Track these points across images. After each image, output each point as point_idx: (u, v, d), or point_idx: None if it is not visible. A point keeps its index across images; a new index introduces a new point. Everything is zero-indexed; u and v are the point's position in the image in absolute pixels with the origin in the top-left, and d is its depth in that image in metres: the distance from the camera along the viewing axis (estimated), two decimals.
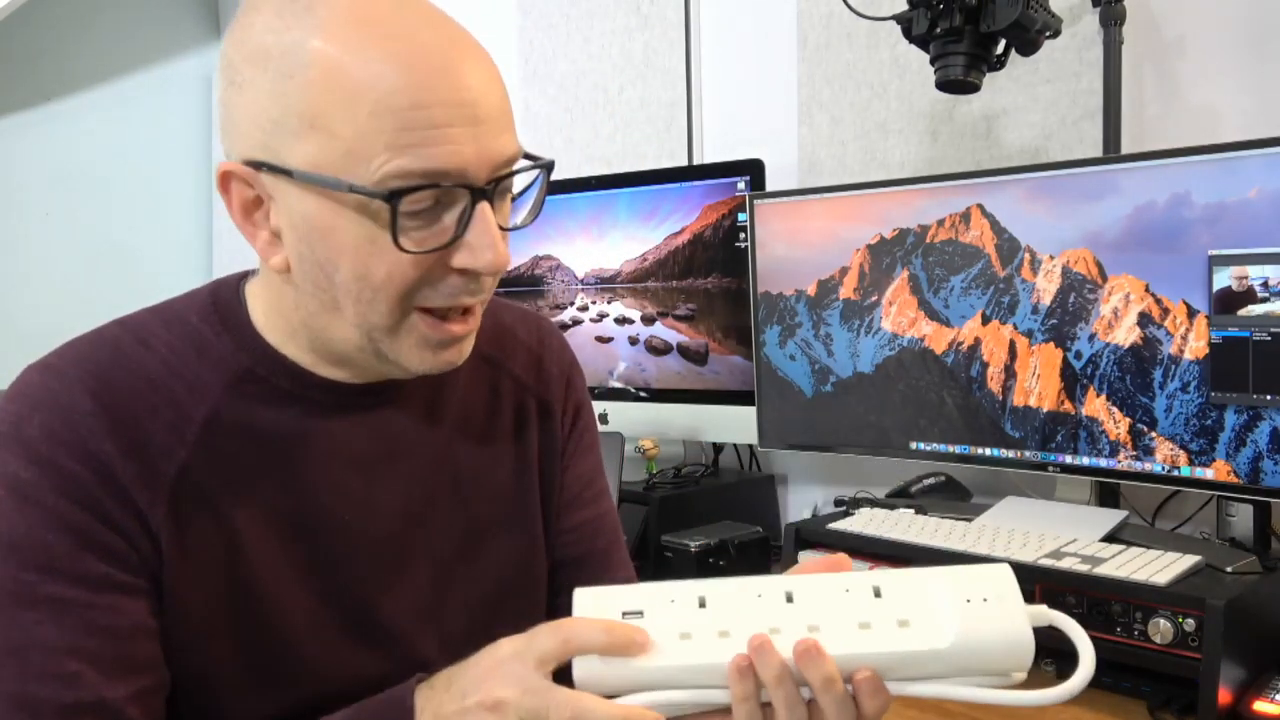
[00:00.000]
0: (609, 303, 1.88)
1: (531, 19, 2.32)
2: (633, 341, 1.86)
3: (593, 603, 0.63)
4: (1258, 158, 1.13)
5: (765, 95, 1.91)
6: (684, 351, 1.79)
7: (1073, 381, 1.31)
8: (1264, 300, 1.13)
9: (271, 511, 0.73)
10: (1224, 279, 1.16)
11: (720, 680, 0.60)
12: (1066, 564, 1.16)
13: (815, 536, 1.43)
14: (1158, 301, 1.23)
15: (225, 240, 3.19)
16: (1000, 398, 1.38)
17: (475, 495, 0.82)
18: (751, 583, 0.63)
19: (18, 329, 2.79)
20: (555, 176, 0.77)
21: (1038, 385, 1.34)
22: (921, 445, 1.47)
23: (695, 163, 2.02)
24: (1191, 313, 1.19)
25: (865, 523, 1.40)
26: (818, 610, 0.62)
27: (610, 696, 0.61)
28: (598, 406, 1.85)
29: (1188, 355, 1.20)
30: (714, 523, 1.62)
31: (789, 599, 0.62)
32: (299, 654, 0.73)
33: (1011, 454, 1.38)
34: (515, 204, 0.73)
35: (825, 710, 0.60)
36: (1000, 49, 1.34)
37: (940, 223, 1.43)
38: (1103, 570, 1.13)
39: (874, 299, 1.51)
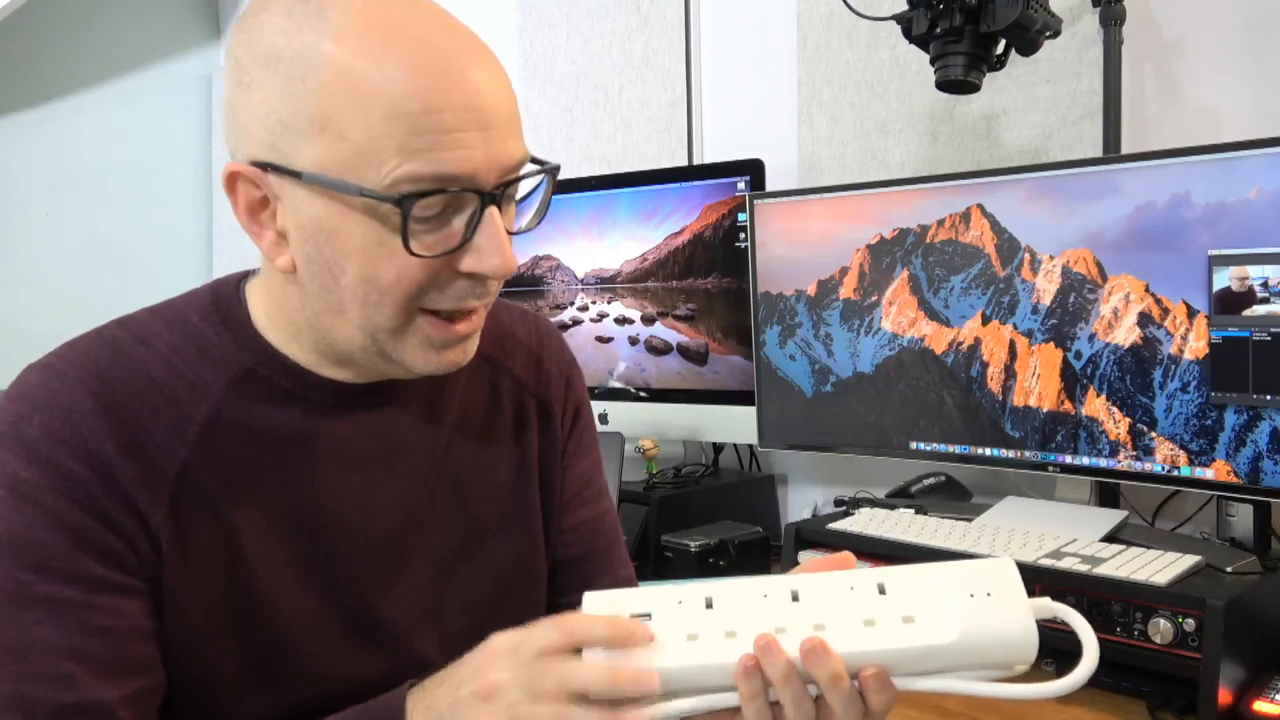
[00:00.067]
0: (609, 303, 1.88)
1: (531, 19, 2.32)
2: (633, 341, 1.86)
3: (602, 605, 0.64)
4: (1258, 158, 1.13)
5: (765, 95, 1.91)
6: (684, 351, 1.80)
7: (1073, 381, 1.31)
8: (1264, 300, 1.13)
9: (272, 511, 0.73)
10: (1224, 279, 1.16)
11: (728, 680, 0.61)
12: (1066, 564, 1.16)
13: (815, 536, 1.43)
14: (1158, 301, 1.23)
15: (225, 240, 3.19)
16: (1000, 398, 1.38)
17: (475, 495, 0.82)
18: (757, 583, 0.64)
19: (17, 329, 2.79)
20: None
21: (1038, 385, 1.34)
22: (921, 445, 1.47)
23: (695, 163, 2.02)
24: (1191, 313, 1.19)
25: (865, 523, 1.40)
26: (823, 608, 0.62)
27: (620, 701, 0.62)
28: (598, 406, 1.85)
29: (1188, 355, 1.20)
30: (714, 523, 1.62)
31: (794, 598, 0.63)
32: (299, 653, 0.73)
33: (1011, 454, 1.38)
34: (520, 207, 0.73)
35: (833, 707, 0.60)
36: (1000, 49, 1.34)
37: (940, 223, 1.43)
38: (1103, 570, 1.13)
39: (874, 299, 1.51)
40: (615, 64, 2.15)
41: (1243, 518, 1.23)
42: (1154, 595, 1.08)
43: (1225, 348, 1.16)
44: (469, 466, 0.82)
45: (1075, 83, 1.50)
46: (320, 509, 0.74)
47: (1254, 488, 1.17)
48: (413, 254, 0.65)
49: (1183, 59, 1.42)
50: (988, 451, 1.40)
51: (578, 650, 0.61)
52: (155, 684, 0.69)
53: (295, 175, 0.65)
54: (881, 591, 0.63)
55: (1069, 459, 1.32)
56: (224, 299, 0.76)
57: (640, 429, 1.81)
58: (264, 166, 0.66)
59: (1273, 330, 1.13)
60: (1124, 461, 1.27)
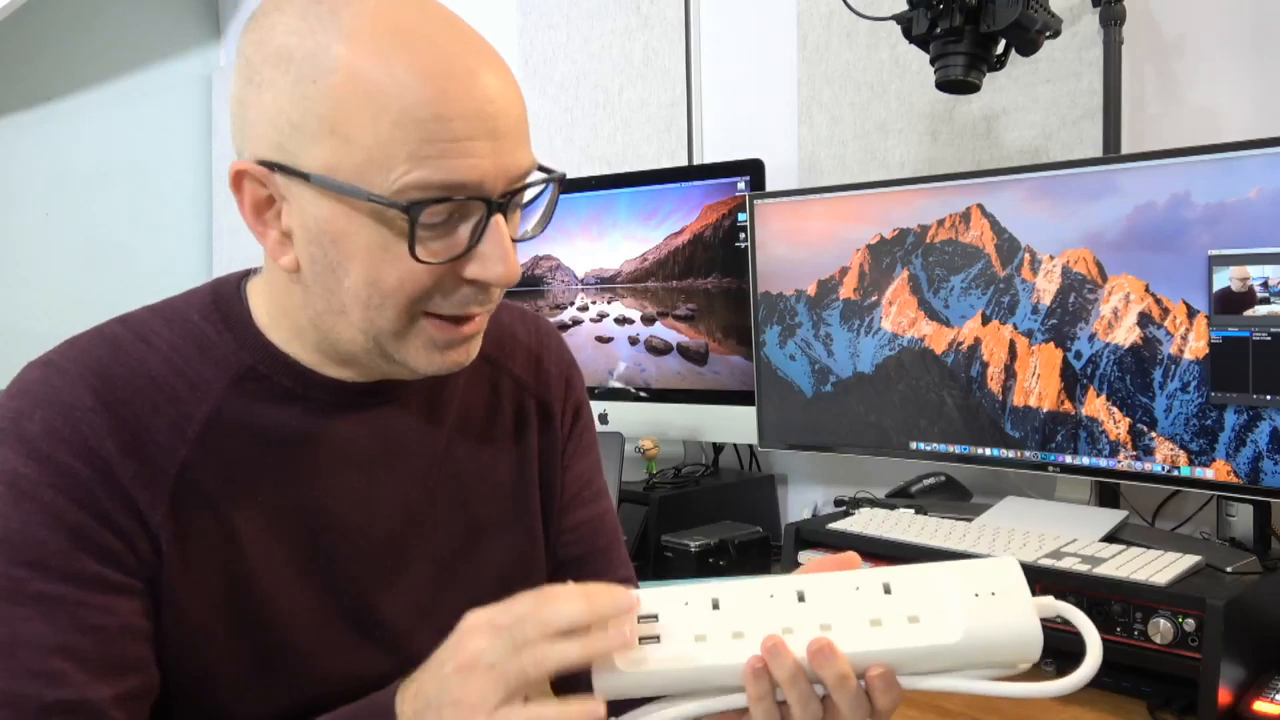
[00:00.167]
0: (609, 303, 1.88)
1: (531, 19, 2.32)
2: (633, 341, 1.86)
3: None
4: (1258, 158, 1.13)
5: (765, 95, 1.91)
6: (684, 351, 1.80)
7: (1073, 381, 1.31)
8: (1264, 300, 1.13)
9: (272, 510, 0.73)
10: (1224, 279, 1.16)
11: (735, 681, 0.61)
12: (1066, 564, 1.16)
13: (815, 536, 1.44)
14: (1158, 301, 1.23)
15: (225, 240, 3.19)
16: (1000, 398, 1.38)
17: (475, 495, 0.82)
18: (763, 583, 0.64)
19: (17, 329, 2.79)
20: None
21: (1038, 385, 1.34)
22: (921, 445, 1.47)
23: (695, 163, 2.02)
24: (1191, 313, 1.19)
25: (865, 523, 1.40)
26: (829, 608, 0.62)
27: (629, 701, 0.62)
28: (597, 406, 1.85)
29: (1188, 355, 1.20)
30: (714, 523, 1.62)
31: (800, 598, 0.63)
32: (299, 652, 0.73)
33: (1011, 454, 1.38)
34: (524, 212, 0.73)
35: (839, 706, 0.61)
36: (1000, 49, 1.34)
37: (940, 223, 1.43)
38: (1103, 570, 1.13)
39: (874, 299, 1.51)
40: (615, 64, 2.15)
41: (1243, 518, 1.23)
42: (1154, 595, 1.08)
43: (1225, 348, 1.16)
44: (469, 466, 0.82)
45: (1075, 83, 1.51)
46: (320, 508, 0.74)
47: (1254, 488, 1.17)
48: (418, 260, 0.65)
49: (1183, 59, 1.42)
50: (988, 451, 1.40)
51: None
52: (148, 684, 0.68)
53: (303, 177, 0.65)
54: (887, 591, 0.63)
55: (1069, 459, 1.32)
56: (224, 298, 0.75)
57: (640, 429, 1.81)
58: (271, 166, 0.66)
59: (1273, 330, 1.13)
60: (1124, 461, 1.27)
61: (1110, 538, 1.27)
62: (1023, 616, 0.61)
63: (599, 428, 0.96)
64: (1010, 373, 1.37)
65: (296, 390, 0.74)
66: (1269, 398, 1.14)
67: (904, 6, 1.36)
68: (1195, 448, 1.20)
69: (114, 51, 3.06)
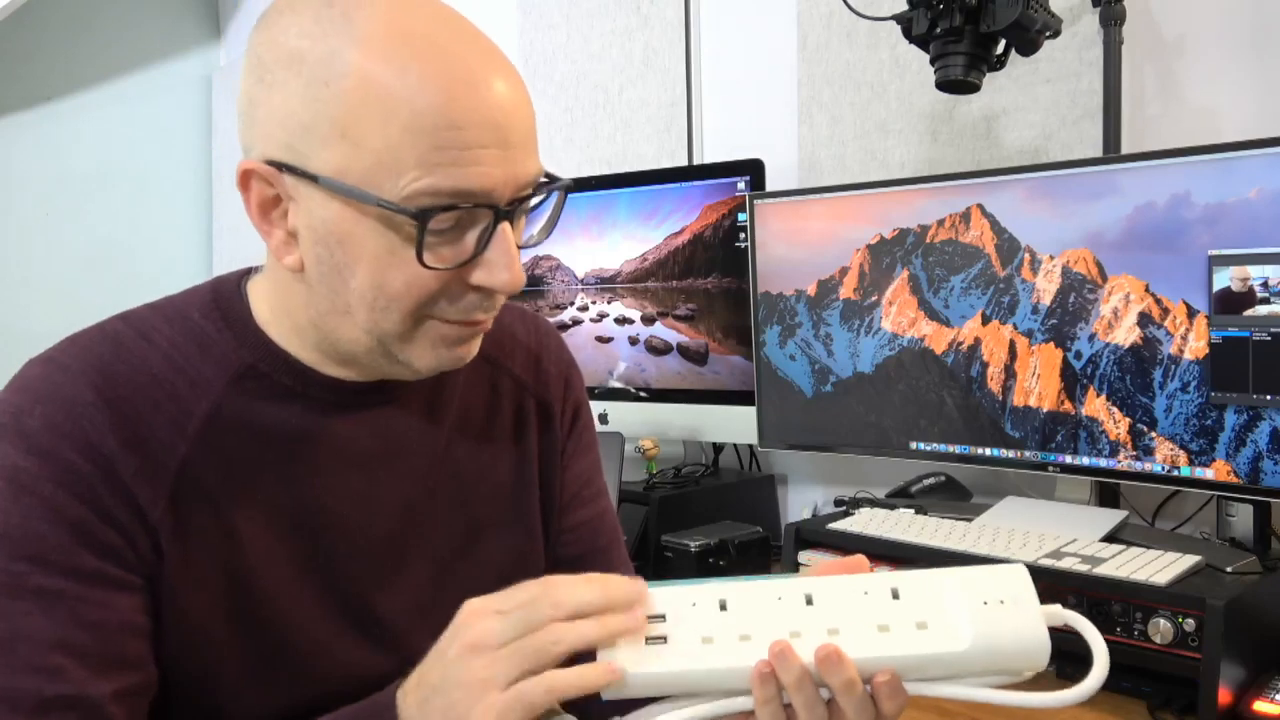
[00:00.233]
0: (609, 303, 1.88)
1: (531, 19, 2.32)
2: (633, 341, 1.86)
3: None
4: (1258, 158, 1.13)
5: (765, 95, 1.91)
6: (684, 351, 1.80)
7: (1073, 381, 1.31)
8: (1264, 300, 1.13)
9: (272, 508, 0.73)
10: (1224, 279, 1.16)
11: (742, 684, 0.61)
12: (1066, 564, 1.16)
13: (815, 536, 1.43)
14: (1158, 301, 1.23)
15: (225, 240, 3.19)
16: (1000, 398, 1.38)
17: (475, 494, 0.82)
18: (771, 585, 0.64)
19: (17, 329, 2.80)
20: None
21: (1038, 385, 1.34)
22: (921, 445, 1.47)
23: (695, 163, 2.02)
24: (1191, 313, 1.19)
25: (865, 523, 1.40)
26: (837, 613, 0.62)
27: (633, 702, 0.61)
28: (597, 406, 1.85)
29: (1188, 355, 1.20)
30: (714, 523, 1.62)
31: (808, 601, 0.63)
32: (298, 651, 0.73)
33: (1011, 454, 1.38)
34: (529, 217, 0.73)
35: (845, 711, 0.61)
36: (1000, 49, 1.34)
37: (940, 223, 1.43)
38: (1103, 570, 1.13)
39: (874, 299, 1.51)
40: (615, 64, 2.15)
41: (1243, 518, 1.23)
42: (1154, 595, 1.08)
43: (1225, 348, 1.16)
44: (469, 466, 0.82)
45: (1075, 83, 1.51)
46: (320, 507, 0.74)
47: (1254, 488, 1.17)
48: (425, 266, 0.65)
49: (1183, 59, 1.42)
50: (988, 451, 1.40)
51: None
52: (146, 682, 0.68)
53: (312, 178, 0.65)
54: (895, 596, 0.63)
55: (1069, 459, 1.32)
56: (225, 296, 0.76)
57: (640, 429, 1.81)
58: (280, 166, 0.66)
59: (1273, 330, 1.13)
60: (1124, 461, 1.27)
61: (1110, 538, 1.27)
62: (1031, 625, 0.61)
63: (599, 428, 0.96)
64: (1010, 373, 1.37)
65: (297, 389, 0.74)
66: (1269, 398, 1.14)
67: (904, 6, 1.36)
68: (1195, 448, 1.20)
69: (114, 51, 3.06)
